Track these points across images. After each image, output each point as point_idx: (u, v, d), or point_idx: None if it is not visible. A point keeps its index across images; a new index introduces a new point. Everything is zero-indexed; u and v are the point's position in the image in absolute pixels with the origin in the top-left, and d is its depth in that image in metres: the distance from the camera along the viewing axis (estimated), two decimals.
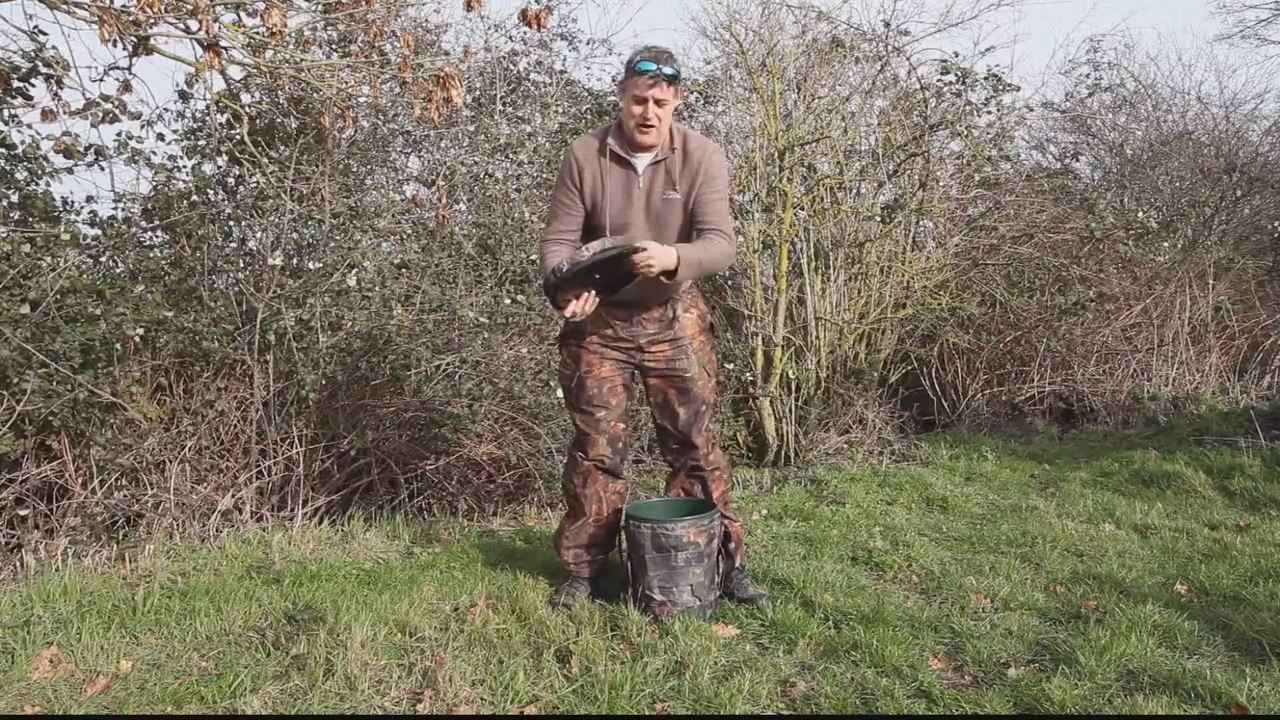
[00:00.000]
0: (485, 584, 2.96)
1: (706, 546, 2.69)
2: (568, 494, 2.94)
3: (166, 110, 5.14)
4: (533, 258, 4.87)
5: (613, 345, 2.77)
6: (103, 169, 3.96)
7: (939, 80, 6.19)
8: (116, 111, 3.76)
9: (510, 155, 5.38)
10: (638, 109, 2.54)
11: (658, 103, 2.52)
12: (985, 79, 6.20)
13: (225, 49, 3.41)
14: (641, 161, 2.64)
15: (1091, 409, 6.54)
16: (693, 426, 2.84)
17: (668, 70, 2.50)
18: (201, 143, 4.43)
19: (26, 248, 3.49)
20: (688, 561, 2.66)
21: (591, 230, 2.71)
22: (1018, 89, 6.42)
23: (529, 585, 2.91)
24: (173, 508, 3.49)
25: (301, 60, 3.80)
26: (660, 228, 2.67)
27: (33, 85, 3.59)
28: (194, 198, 4.23)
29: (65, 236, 3.60)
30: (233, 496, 3.61)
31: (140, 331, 3.54)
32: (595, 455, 2.83)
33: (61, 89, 3.52)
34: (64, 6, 3.13)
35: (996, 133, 6.39)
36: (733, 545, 2.90)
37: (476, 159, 5.14)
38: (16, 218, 3.82)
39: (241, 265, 4.25)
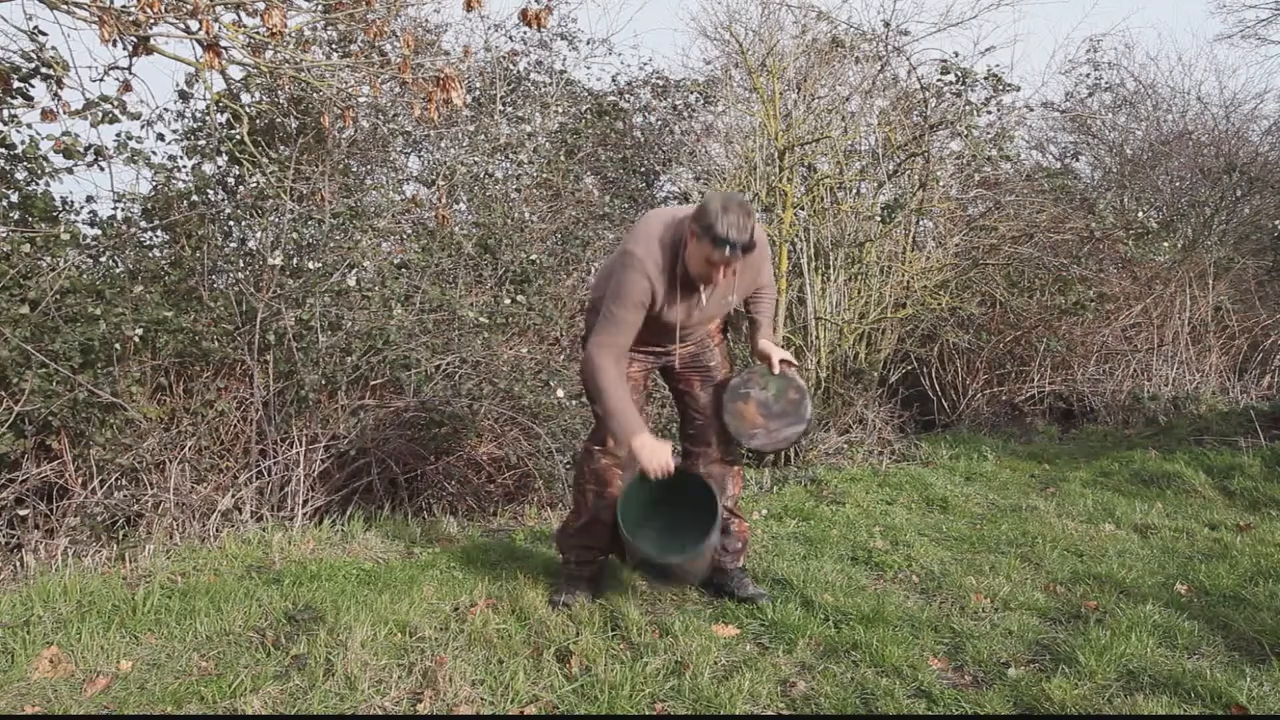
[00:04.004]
0: (485, 584, 2.96)
1: (700, 562, 2.66)
2: (577, 489, 2.93)
3: (166, 110, 5.15)
4: (533, 258, 4.87)
5: (641, 350, 2.78)
6: (103, 169, 3.96)
7: (939, 80, 6.19)
8: (116, 111, 3.76)
9: (510, 155, 5.39)
10: (706, 270, 2.50)
11: (730, 270, 2.51)
12: (985, 79, 6.20)
13: (225, 49, 3.41)
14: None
15: (1091, 409, 6.55)
16: (714, 403, 2.89)
17: (745, 244, 2.42)
18: (201, 143, 4.43)
19: (26, 248, 3.49)
20: (683, 573, 2.70)
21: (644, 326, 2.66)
22: (1018, 89, 6.43)
23: (529, 585, 2.91)
24: (173, 508, 3.48)
25: (301, 60, 3.80)
26: (710, 320, 2.78)
27: (33, 85, 3.59)
28: (194, 198, 4.23)
29: (65, 236, 3.60)
30: (233, 496, 3.61)
31: (140, 331, 3.54)
32: (613, 448, 2.82)
33: (61, 89, 3.52)
34: (64, 6, 3.13)
35: (996, 133, 6.39)
36: (739, 545, 2.91)
37: (476, 159, 5.14)
38: (16, 218, 3.82)
39: (241, 265, 4.25)
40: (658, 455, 2.52)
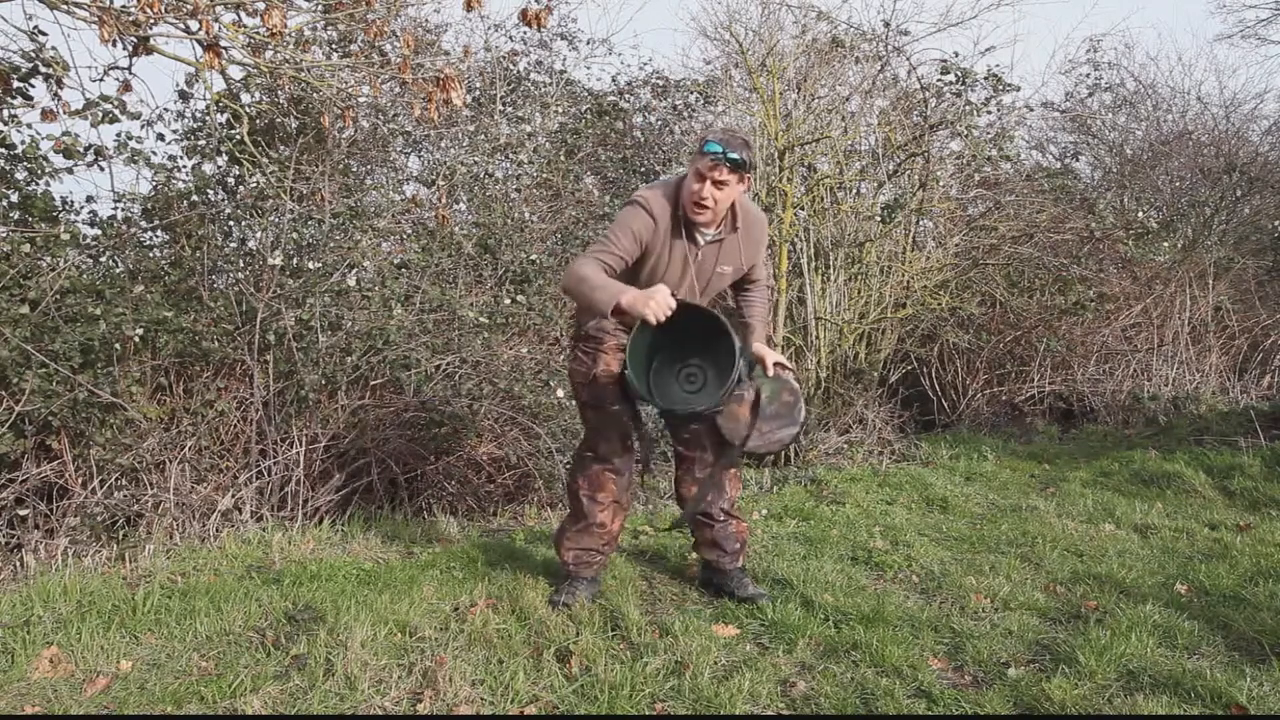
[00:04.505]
0: (485, 584, 2.96)
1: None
2: (571, 494, 2.94)
3: (166, 110, 5.15)
4: (533, 258, 4.87)
5: None
6: (103, 169, 3.96)
7: (939, 80, 6.19)
8: (116, 111, 3.76)
9: (510, 155, 5.38)
10: (696, 185, 2.51)
11: (716, 184, 2.50)
12: (985, 79, 6.20)
13: (225, 49, 3.41)
14: (703, 237, 2.64)
15: (1091, 409, 6.55)
16: None
17: (732, 155, 2.46)
18: (201, 143, 4.43)
19: (26, 248, 3.49)
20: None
21: (630, 277, 2.63)
22: (1018, 89, 6.43)
23: (529, 585, 2.91)
24: (173, 508, 3.48)
25: (301, 60, 3.80)
26: (704, 294, 2.75)
27: (33, 85, 3.59)
28: (194, 198, 4.23)
29: (65, 236, 3.59)
30: (233, 496, 3.61)
31: (140, 331, 3.54)
32: (605, 452, 2.82)
33: (61, 89, 3.52)
34: (64, 6, 3.13)
35: (996, 133, 6.39)
36: (738, 545, 2.91)
37: (476, 159, 5.13)
38: (16, 218, 3.81)
39: (241, 265, 4.25)
40: (655, 297, 2.32)
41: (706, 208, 2.52)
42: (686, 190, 2.54)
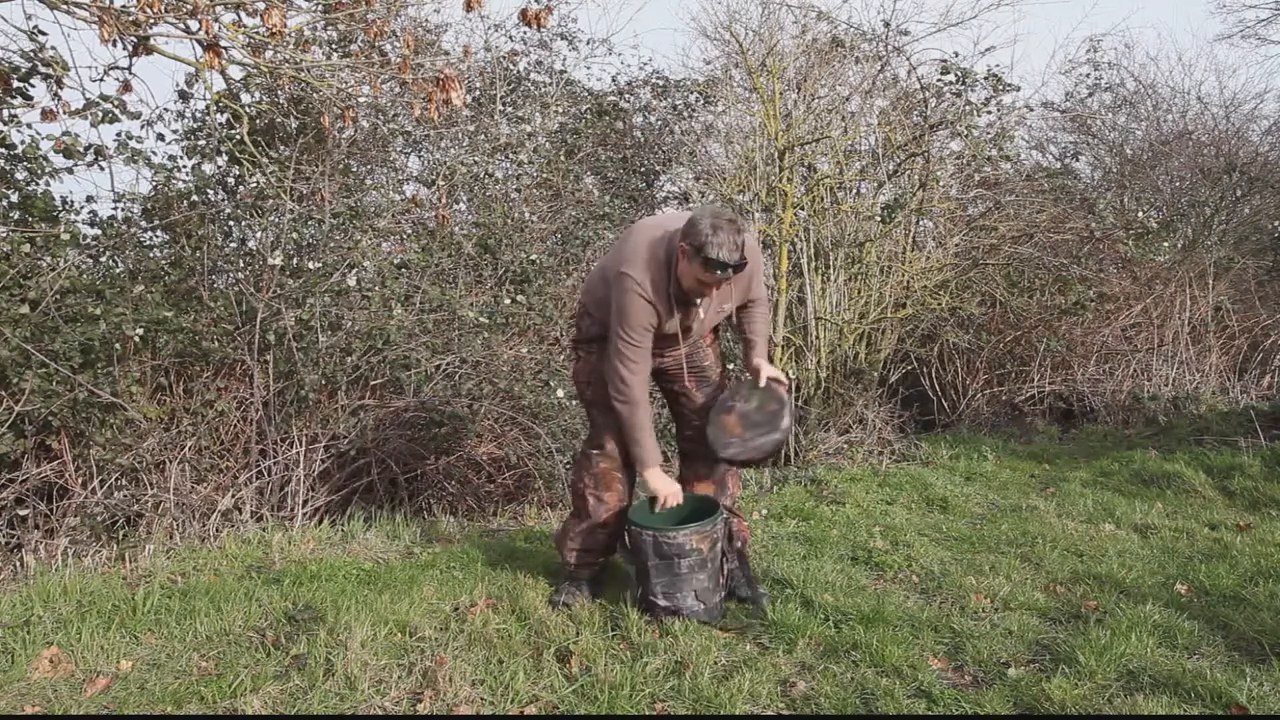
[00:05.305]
0: (485, 584, 2.96)
1: (710, 552, 2.66)
2: (575, 493, 2.94)
3: (166, 110, 5.15)
4: (533, 258, 4.87)
5: None
6: (103, 169, 3.96)
7: (939, 80, 6.19)
8: (116, 111, 3.76)
9: (510, 155, 5.39)
10: (700, 288, 2.56)
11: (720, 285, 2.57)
12: (985, 79, 6.20)
13: (225, 49, 3.41)
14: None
15: (1091, 409, 6.55)
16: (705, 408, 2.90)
17: (738, 264, 2.46)
18: (201, 143, 4.43)
19: (26, 248, 3.49)
20: (691, 568, 2.62)
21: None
22: (1018, 89, 6.43)
23: (529, 585, 2.91)
24: (173, 508, 3.49)
25: (301, 60, 3.80)
26: (709, 328, 2.84)
27: (33, 85, 3.59)
28: (194, 198, 4.23)
29: (65, 236, 3.60)
30: (233, 496, 3.61)
31: (140, 331, 3.54)
32: (612, 449, 2.83)
33: (61, 89, 3.52)
34: (64, 6, 3.13)
35: (996, 133, 6.39)
36: (739, 544, 2.91)
37: (476, 159, 5.14)
38: (16, 218, 3.82)
39: (241, 265, 4.25)
40: (672, 487, 2.72)
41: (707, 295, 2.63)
42: (687, 280, 2.54)
